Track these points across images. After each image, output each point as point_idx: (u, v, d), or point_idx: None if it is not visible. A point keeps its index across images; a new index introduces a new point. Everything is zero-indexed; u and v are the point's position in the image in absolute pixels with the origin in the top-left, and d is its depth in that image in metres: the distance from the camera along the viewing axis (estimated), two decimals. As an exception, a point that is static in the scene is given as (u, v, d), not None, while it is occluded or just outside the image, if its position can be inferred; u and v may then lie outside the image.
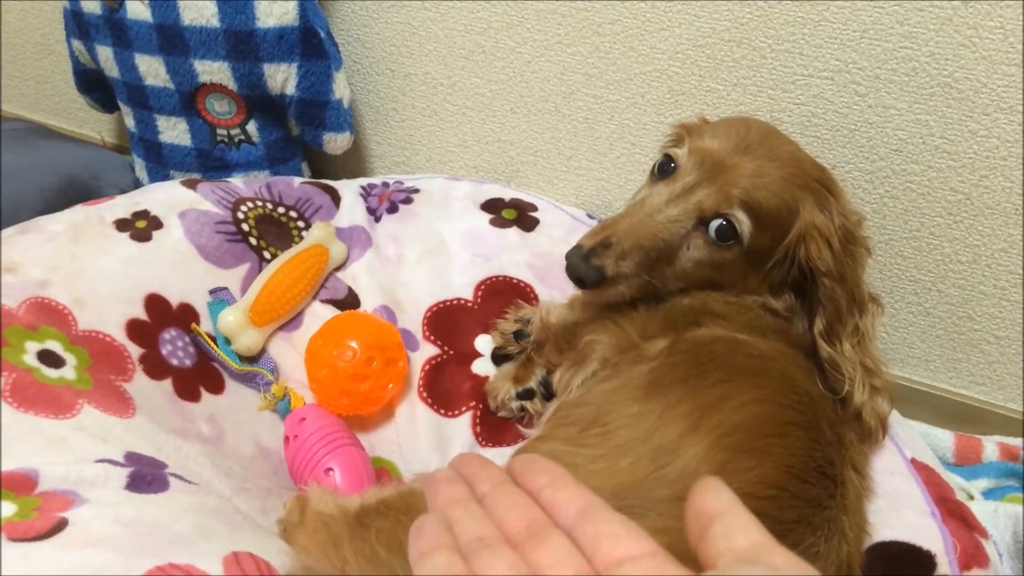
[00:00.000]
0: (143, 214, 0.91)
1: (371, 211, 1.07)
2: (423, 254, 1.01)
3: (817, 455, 0.63)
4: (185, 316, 0.87)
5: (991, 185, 0.91)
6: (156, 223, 0.90)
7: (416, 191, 1.08)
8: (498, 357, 0.95)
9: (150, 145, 1.24)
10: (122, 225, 0.89)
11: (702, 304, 0.75)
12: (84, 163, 1.27)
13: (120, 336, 0.80)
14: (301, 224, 1.01)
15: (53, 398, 0.69)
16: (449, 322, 0.97)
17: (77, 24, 1.18)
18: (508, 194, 1.10)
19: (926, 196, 0.95)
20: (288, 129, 1.22)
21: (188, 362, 0.84)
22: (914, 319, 1.04)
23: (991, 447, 1.00)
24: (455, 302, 0.98)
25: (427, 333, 0.96)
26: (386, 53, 1.20)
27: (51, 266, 0.80)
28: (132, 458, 0.68)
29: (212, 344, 0.86)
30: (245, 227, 0.96)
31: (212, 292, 0.90)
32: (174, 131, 1.21)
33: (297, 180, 1.06)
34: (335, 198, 1.06)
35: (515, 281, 0.99)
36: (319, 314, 0.95)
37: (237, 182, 1.02)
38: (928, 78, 0.88)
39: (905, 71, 0.89)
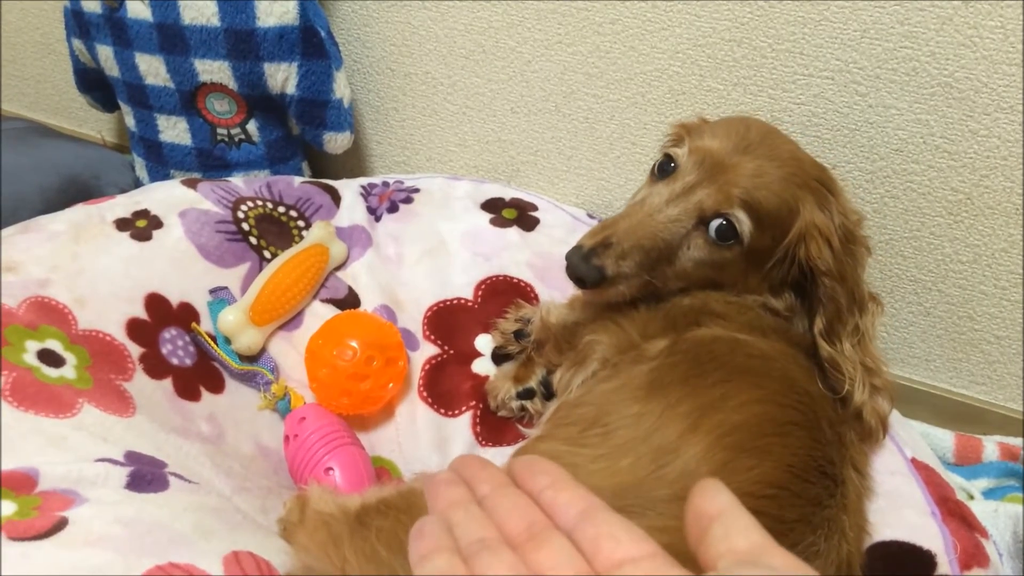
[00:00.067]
0: (143, 213, 0.91)
1: (371, 210, 1.07)
2: (423, 253, 1.01)
3: (817, 454, 0.63)
4: (185, 315, 0.87)
5: (992, 185, 0.91)
6: (156, 222, 0.90)
7: (416, 191, 1.08)
8: (498, 357, 0.95)
9: (150, 144, 1.24)
10: (122, 224, 0.89)
11: (702, 304, 0.75)
12: (84, 162, 1.27)
13: (120, 335, 0.80)
14: (301, 223, 1.01)
15: (53, 397, 0.69)
16: (449, 322, 0.97)
17: (77, 23, 1.18)
18: (508, 194, 1.10)
19: (926, 196, 0.95)
20: (288, 128, 1.22)
21: (188, 361, 0.85)
22: (914, 319, 1.04)
23: (991, 447, 1.00)
24: (455, 302, 0.98)
25: (427, 332, 0.96)
26: (386, 52, 1.20)
27: (51, 265, 0.80)
28: (132, 457, 0.68)
29: (212, 343, 0.86)
30: (245, 226, 0.96)
31: (212, 291, 0.90)
32: (174, 130, 1.21)
33: (297, 179, 1.06)
34: (335, 197, 1.06)
35: (515, 281, 0.99)
36: (319, 313, 0.95)
37: (237, 181, 1.02)
38: (928, 78, 0.88)
39: (906, 71, 0.89)
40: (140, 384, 0.78)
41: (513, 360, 0.94)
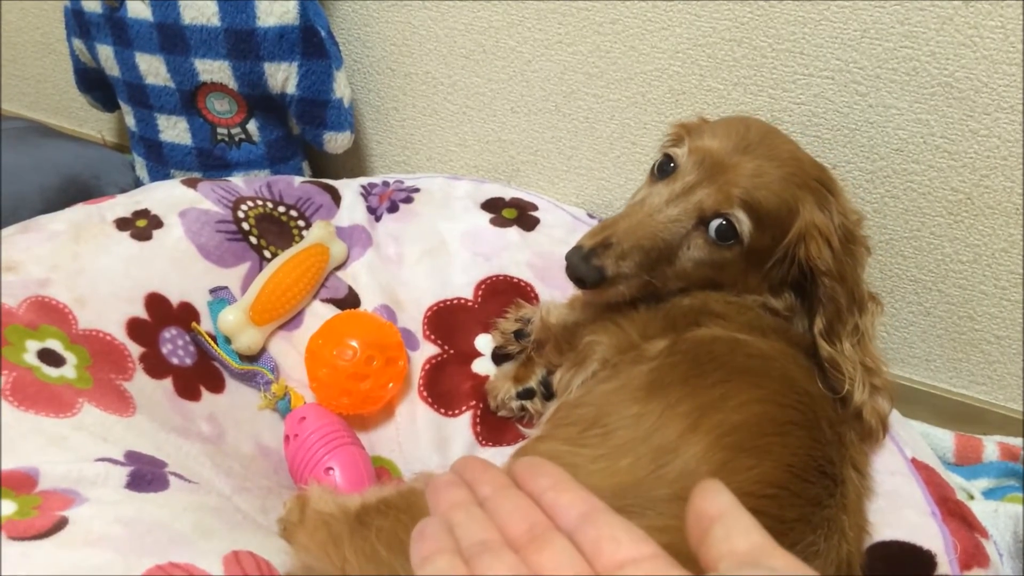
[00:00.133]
0: (143, 213, 0.91)
1: (371, 210, 1.07)
2: (423, 253, 1.01)
3: (817, 454, 0.63)
4: (185, 315, 0.87)
5: (992, 185, 0.91)
6: (156, 222, 0.90)
7: (416, 190, 1.08)
8: (498, 356, 0.95)
9: (151, 144, 1.24)
10: (122, 224, 0.89)
11: (702, 304, 0.75)
12: (85, 162, 1.27)
13: (120, 335, 0.80)
14: (301, 223, 1.01)
15: (53, 397, 0.69)
16: (449, 321, 0.97)
17: (78, 23, 1.18)
18: (508, 193, 1.10)
19: (927, 196, 0.95)
20: (289, 128, 1.22)
21: (188, 361, 0.85)
22: (914, 319, 1.04)
23: (991, 447, 1.00)
24: (455, 301, 0.98)
25: (427, 332, 0.96)
26: (386, 52, 1.20)
27: (52, 265, 0.80)
28: (132, 457, 0.68)
29: (212, 343, 0.86)
30: (245, 226, 0.96)
31: (212, 291, 0.90)
32: (174, 130, 1.21)
33: (297, 179, 1.06)
34: (335, 197, 1.06)
35: (515, 280, 0.99)
36: (319, 313, 0.95)
37: (237, 181, 1.02)
38: (929, 77, 0.88)
39: (906, 70, 0.89)
40: (140, 384, 0.78)
41: (513, 360, 0.94)
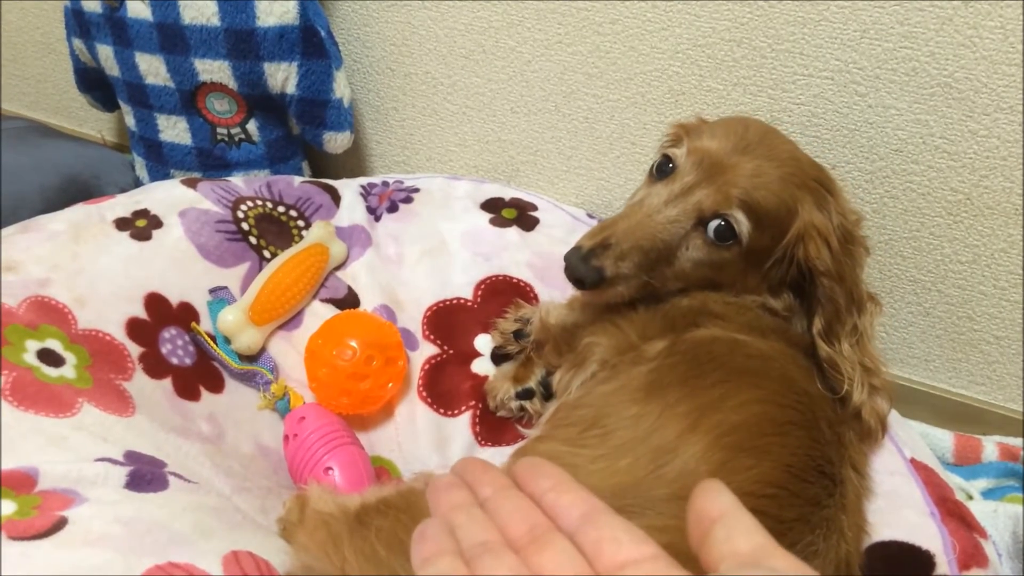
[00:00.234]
0: (143, 213, 0.91)
1: (371, 210, 1.07)
2: (423, 253, 1.01)
3: (816, 454, 0.63)
4: (185, 315, 0.87)
5: (991, 185, 0.91)
6: (156, 222, 0.90)
7: (416, 190, 1.08)
8: (498, 356, 0.95)
9: (150, 144, 1.24)
10: (122, 224, 0.89)
11: (701, 305, 0.75)
12: (84, 162, 1.27)
13: (120, 335, 0.80)
14: (301, 223, 1.01)
15: (53, 397, 0.69)
16: (449, 321, 0.97)
17: (78, 23, 1.18)
18: (508, 193, 1.10)
19: (926, 196, 0.95)
20: (288, 128, 1.22)
21: (188, 361, 0.85)
22: (914, 319, 1.04)
23: (991, 447, 1.00)
24: (455, 301, 0.98)
25: (427, 332, 0.96)
26: (386, 52, 1.20)
27: (51, 265, 0.80)
28: (132, 457, 0.68)
29: (212, 343, 0.86)
30: (245, 226, 0.96)
31: (212, 291, 0.90)
32: (174, 130, 1.21)
33: (297, 179, 1.06)
34: (335, 197, 1.06)
35: (515, 280, 0.99)
36: (319, 313, 0.95)
37: (237, 181, 1.02)
38: (928, 78, 0.88)
39: (905, 71, 0.89)
40: (140, 384, 0.78)
41: (512, 360, 0.94)
